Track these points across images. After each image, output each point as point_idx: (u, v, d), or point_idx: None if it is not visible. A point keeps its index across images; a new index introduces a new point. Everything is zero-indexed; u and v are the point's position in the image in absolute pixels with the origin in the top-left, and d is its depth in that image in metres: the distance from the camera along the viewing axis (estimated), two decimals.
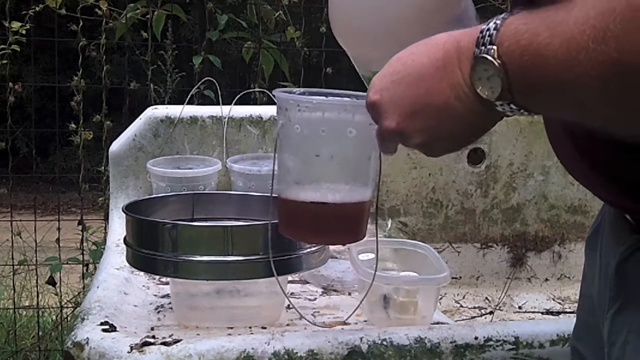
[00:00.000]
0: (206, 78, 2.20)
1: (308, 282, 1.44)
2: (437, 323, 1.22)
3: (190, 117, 1.80)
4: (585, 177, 0.78)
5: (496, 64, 0.62)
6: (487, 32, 0.63)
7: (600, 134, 0.61)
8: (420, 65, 0.71)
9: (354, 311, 1.23)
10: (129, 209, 1.21)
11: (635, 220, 0.72)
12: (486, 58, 0.63)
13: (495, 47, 0.62)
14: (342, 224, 0.99)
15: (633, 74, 0.52)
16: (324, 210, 0.96)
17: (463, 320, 1.82)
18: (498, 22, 0.63)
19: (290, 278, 1.33)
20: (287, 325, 1.21)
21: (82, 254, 2.78)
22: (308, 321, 1.05)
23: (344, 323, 1.25)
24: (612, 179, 0.73)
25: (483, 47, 0.63)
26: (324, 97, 0.97)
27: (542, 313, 1.88)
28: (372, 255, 1.26)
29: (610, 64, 0.53)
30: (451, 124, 0.70)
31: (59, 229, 2.77)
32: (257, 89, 2.55)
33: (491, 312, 1.88)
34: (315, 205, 0.96)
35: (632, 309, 0.71)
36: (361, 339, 1.05)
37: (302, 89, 0.99)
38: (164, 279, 1.36)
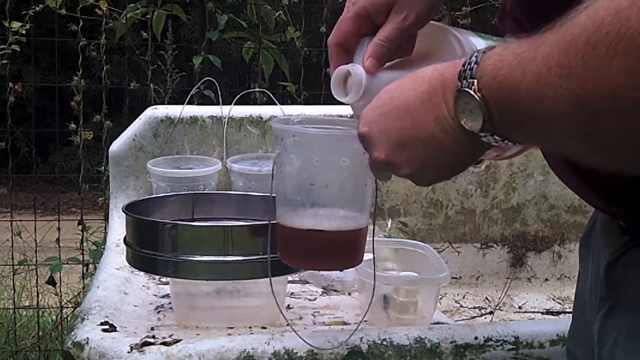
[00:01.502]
0: (206, 78, 2.20)
1: (308, 282, 1.44)
2: (437, 323, 1.22)
3: (190, 117, 1.80)
4: (574, 185, 0.79)
5: (477, 97, 0.62)
6: (469, 66, 0.63)
7: None
8: (407, 97, 0.72)
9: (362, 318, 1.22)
10: (129, 209, 1.21)
11: (625, 223, 0.73)
12: (467, 91, 0.63)
13: (475, 81, 0.62)
14: (339, 250, 1.00)
15: (596, 110, 0.52)
16: (320, 238, 0.96)
17: (463, 320, 1.82)
18: (479, 55, 0.63)
19: (290, 278, 1.33)
20: (287, 325, 1.21)
21: (82, 254, 2.78)
22: (295, 332, 1.05)
23: (344, 323, 1.25)
24: (600, 189, 0.73)
25: (464, 81, 0.63)
26: (317, 128, 0.97)
27: (542, 313, 1.88)
28: (371, 255, 1.26)
29: (575, 100, 0.53)
30: (438, 155, 0.71)
31: (59, 229, 2.77)
32: (257, 89, 2.55)
33: (491, 312, 1.88)
34: (312, 233, 0.96)
35: (622, 310, 0.71)
36: (361, 339, 1.05)
37: (300, 117, 0.99)
38: (164, 279, 1.36)
